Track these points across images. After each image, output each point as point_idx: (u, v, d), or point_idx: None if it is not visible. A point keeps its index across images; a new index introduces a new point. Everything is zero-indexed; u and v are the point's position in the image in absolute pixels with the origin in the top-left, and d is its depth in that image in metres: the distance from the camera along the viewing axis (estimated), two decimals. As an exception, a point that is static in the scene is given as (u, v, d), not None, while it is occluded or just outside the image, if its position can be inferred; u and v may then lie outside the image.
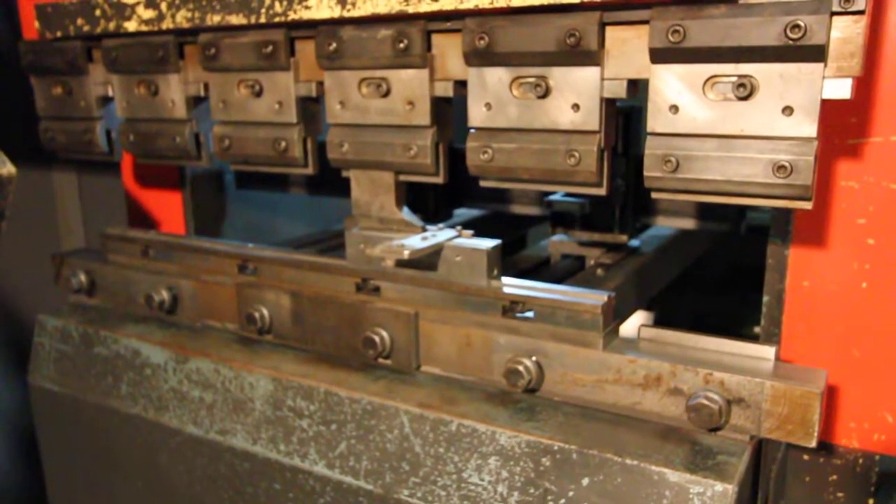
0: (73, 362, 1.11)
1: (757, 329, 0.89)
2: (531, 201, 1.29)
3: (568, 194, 1.14)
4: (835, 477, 0.86)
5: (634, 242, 1.22)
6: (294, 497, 0.89)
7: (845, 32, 0.63)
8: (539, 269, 1.21)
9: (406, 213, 0.92)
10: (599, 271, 1.08)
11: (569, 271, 1.18)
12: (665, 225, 1.16)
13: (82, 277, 1.16)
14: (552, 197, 1.15)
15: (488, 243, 0.85)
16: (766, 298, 0.86)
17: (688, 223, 1.12)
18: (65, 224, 2.06)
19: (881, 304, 0.80)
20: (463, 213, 1.46)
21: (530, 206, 1.29)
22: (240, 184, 1.51)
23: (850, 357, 0.82)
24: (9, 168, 0.93)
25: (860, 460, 0.84)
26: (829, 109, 0.67)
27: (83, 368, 1.10)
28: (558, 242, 1.20)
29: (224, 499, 0.96)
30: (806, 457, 0.87)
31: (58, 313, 1.15)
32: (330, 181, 1.34)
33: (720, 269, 1.63)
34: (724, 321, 1.63)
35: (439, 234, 0.87)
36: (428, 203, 1.35)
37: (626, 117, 1.07)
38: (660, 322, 1.58)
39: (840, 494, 0.86)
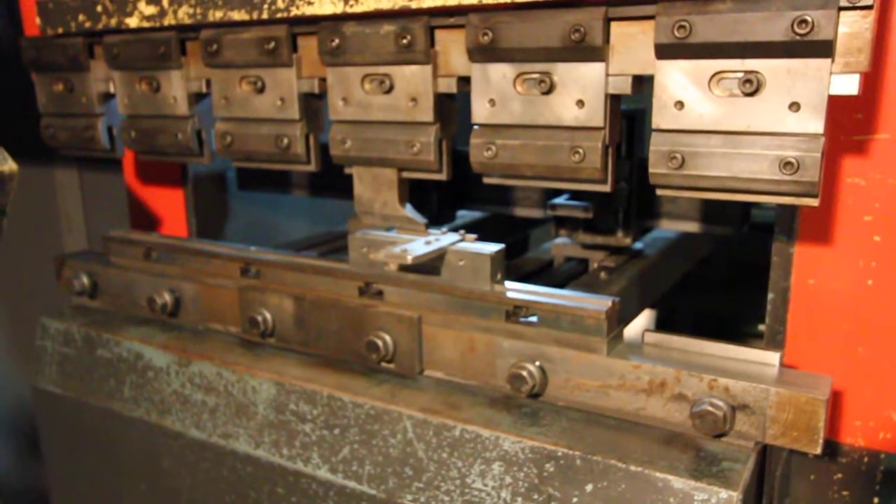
0: (75, 365, 1.19)
1: (761, 327, 0.93)
2: (534, 203, 1.34)
3: (571, 197, 1.18)
4: (840, 475, 0.90)
5: (638, 245, 1.27)
6: (297, 501, 0.96)
7: (853, 27, 0.66)
8: (542, 272, 1.26)
9: (409, 210, 0.98)
10: (603, 275, 1.13)
11: (572, 274, 1.23)
12: (668, 228, 1.21)
13: (84, 280, 1.24)
14: (556, 200, 1.19)
15: (492, 248, 0.90)
16: (770, 296, 0.90)
17: (691, 226, 1.17)
18: (66, 222, 2.16)
19: (887, 302, 0.84)
20: (465, 214, 1.52)
21: (533, 209, 1.34)
22: (242, 185, 1.58)
23: (856, 355, 0.87)
24: (10, 165, 1.00)
25: (865, 459, 0.89)
26: (835, 105, 0.71)
27: (86, 371, 1.17)
28: (561, 245, 1.26)
29: (226, 502, 1.03)
30: (811, 455, 0.91)
31: (60, 316, 1.23)
32: (332, 182, 1.40)
33: (723, 268, 1.67)
34: (727, 319, 1.67)
35: (443, 239, 0.92)
36: (431, 204, 1.41)
37: (629, 119, 1.11)
38: (662, 320, 1.62)
39: (845, 493, 0.90)
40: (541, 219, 1.40)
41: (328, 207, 1.66)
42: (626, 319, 1.06)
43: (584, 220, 1.20)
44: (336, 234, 1.47)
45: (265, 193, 1.58)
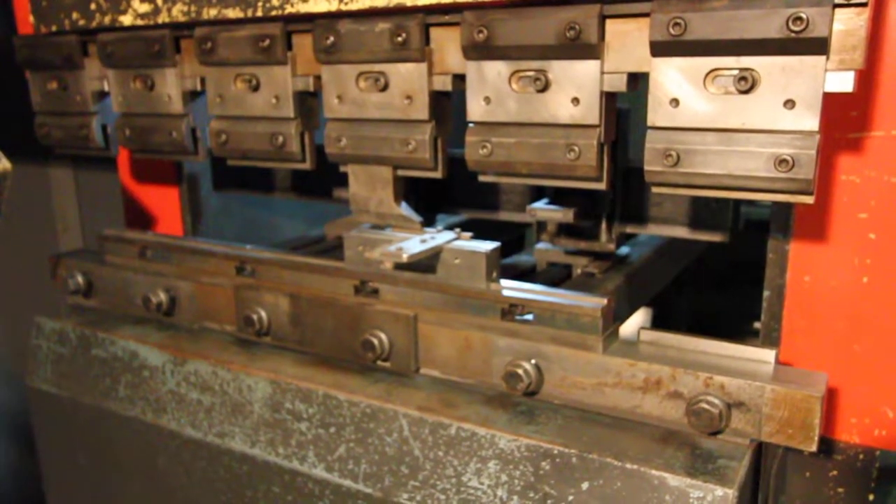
0: (70, 364, 1.18)
1: (757, 324, 0.93)
2: (515, 207, 1.31)
3: (552, 201, 1.14)
4: (835, 472, 0.91)
5: (624, 250, 1.24)
6: (293, 500, 0.96)
7: (848, 25, 0.67)
8: (526, 277, 1.23)
9: (404, 209, 0.98)
10: (598, 274, 1.12)
11: (556, 280, 1.19)
12: (654, 233, 1.17)
13: (79, 279, 1.24)
14: (535, 205, 1.14)
15: (487, 246, 0.90)
16: (766, 293, 0.91)
17: (677, 231, 1.14)
18: (61, 221, 2.16)
19: (882, 300, 0.85)
20: (443, 219, 1.48)
21: (515, 213, 1.31)
22: (217, 186, 1.54)
23: (851, 352, 0.87)
24: (4, 164, 1.00)
25: (861, 456, 0.89)
26: (830, 103, 0.71)
27: (81, 370, 1.17)
28: (543, 251, 1.23)
29: (222, 501, 1.03)
30: (806, 453, 0.91)
31: (55, 315, 1.22)
32: (323, 183, 1.39)
33: (718, 265, 1.67)
34: (723, 317, 1.68)
35: (438, 237, 0.93)
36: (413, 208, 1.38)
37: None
38: (658, 318, 1.62)
39: (840, 490, 0.91)
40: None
41: (324, 207, 1.66)
42: (621, 319, 1.06)
43: (566, 224, 1.15)
44: (331, 234, 1.46)
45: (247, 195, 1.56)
